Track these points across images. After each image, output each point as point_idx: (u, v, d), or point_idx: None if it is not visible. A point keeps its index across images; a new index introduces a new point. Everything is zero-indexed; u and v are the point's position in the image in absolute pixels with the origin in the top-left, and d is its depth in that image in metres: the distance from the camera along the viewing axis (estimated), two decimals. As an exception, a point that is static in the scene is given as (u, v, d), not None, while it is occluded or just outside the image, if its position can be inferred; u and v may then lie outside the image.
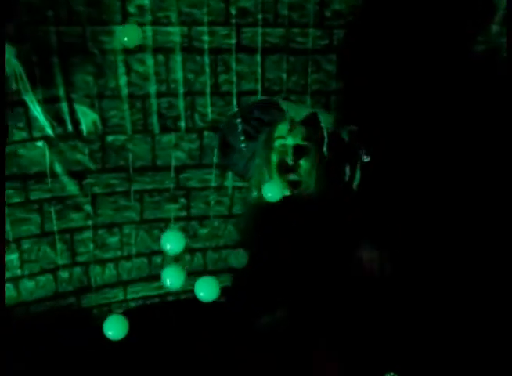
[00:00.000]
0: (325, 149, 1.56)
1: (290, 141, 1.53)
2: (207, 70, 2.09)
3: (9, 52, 1.80)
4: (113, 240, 2.19)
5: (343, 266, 1.51)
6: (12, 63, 1.81)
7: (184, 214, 2.26)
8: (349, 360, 1.42)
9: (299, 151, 1.52)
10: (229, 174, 2.24)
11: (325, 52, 2.22)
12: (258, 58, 2.14)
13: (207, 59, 2.08)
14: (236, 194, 2.26)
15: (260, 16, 2.10)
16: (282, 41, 2.15)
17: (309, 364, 1.38)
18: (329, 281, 1.49)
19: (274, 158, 1.56)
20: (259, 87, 2.17)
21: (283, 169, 1.54)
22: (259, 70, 2.16)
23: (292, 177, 1.54)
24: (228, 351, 1.42)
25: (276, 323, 1.40)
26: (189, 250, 2.29)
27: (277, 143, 1.55)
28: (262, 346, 1.37)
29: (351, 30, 2.19)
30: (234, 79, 2.14)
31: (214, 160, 2.21)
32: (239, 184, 2.22)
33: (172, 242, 1.22)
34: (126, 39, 1.66)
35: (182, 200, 2.24)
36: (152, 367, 1.82)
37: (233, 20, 2.07)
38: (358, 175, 1.62)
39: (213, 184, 2.24)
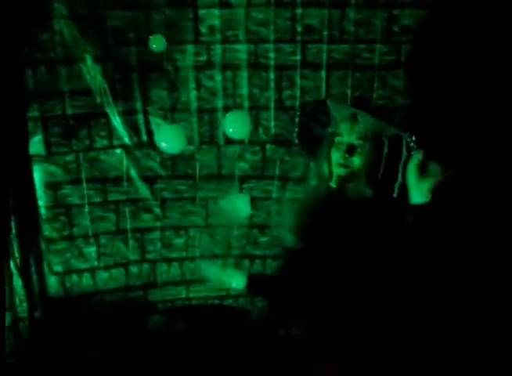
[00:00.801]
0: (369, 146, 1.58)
1: (345, 139, 1.57)
2: (272, 85, 2.18)
3: (95, 70, 2.05)
4: (179, 241, 2.36)
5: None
6: (98, 79, 2.06)
7: (246, 221, 2.36)
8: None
9: (352, 149, 1.56)
10: (290, 185, 2.31)
11: (392, 67, 2.19)
12: (323, 74, 2.19)
13: (272, 75, 2.17)
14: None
15: (325, 33, 2.14)
16: (347, 57, 2.17)
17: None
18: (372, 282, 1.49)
19: (332, 153, 1.61)
20: (322, 102, 2.21)
21: (338, 165, 1.59)
22: (323, 85, 2.20)
23: (340, 170, 1.58)
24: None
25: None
26: (248, 257, 2.39)
27: (336, 140, 1.61)
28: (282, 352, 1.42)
29: (419, 44, 2.15)
30: (298, 94, 2.20)
31: (277, 171, 2.31)
32: (300, 196, 2.28)
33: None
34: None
35: (244, 208, 2.35)
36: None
37: (299, 37, 2.14)
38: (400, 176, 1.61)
39: (274, 195, 2.33)
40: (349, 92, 2.22)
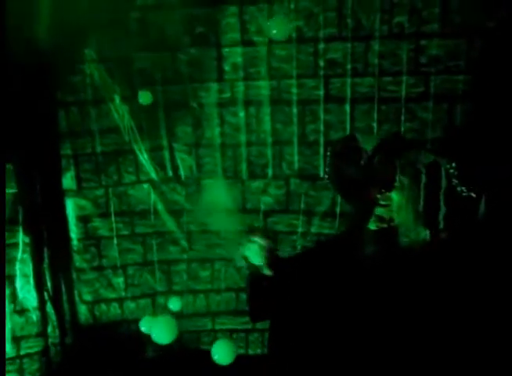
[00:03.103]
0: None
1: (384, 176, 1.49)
2: (295, 120, 2.17)
3: (123, 109, 2.15)
4: (205, 273, 2.39)
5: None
6: (126, 118, 2.15)
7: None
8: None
9: (388, 184, 1.49)
10: (316, 220, 2.27)
11: (420, 99, 2.11)
12: (347, 107, 2.15)
13: (295, 110, 2.16)
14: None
15: (349, 66, 2.11)
16: (372, 90, 2.12)
17: None
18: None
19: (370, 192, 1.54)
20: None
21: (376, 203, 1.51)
22: (348, 119, 2.16)
23: (380, 211, 1.51)
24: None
25: None
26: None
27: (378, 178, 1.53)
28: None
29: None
30: (321, 128, 2.18)
31: (302, 206, 2.28)
32: (326, 231, 2.24)
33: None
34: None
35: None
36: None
37: (322, 72, 2.12)
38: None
39: (300, 229, 2.30)
40: (375, 125, 2.16)
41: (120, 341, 2.32)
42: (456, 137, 2.13)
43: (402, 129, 2.14)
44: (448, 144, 2.14)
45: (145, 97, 2.04)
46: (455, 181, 1.48)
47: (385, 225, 1.47)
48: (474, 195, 1.44)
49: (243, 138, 2.21)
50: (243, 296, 2.38)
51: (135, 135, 2.18)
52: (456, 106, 2.11)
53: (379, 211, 1.46)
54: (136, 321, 2.36)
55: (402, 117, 2.14)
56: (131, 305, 2.36)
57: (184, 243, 2.34)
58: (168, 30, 2.09)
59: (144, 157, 2.22)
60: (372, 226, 1.48)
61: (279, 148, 2.21)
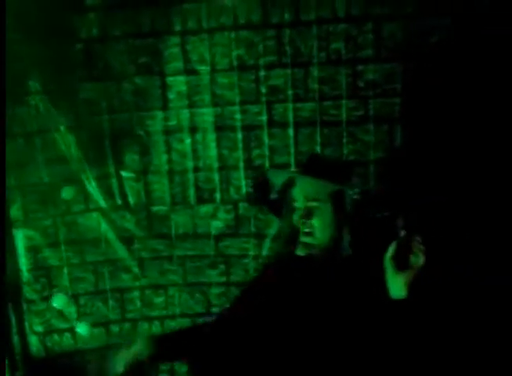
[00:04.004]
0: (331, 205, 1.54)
1: (299, 203, 1.54)
2: (240, 145, 2.21)
3: (69, 139, 2.17)
4: (159, 300, 2.38)
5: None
6: (72, 147, 2.18)
7: (224, 279, 2.36)
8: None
9: (309, 212, 1.51)
10: (267, 243, 2.29)
11: (360, 122, 2.16)
12: (290, 132, 2.19)
13: (239, 136, 2.21)
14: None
15: (290, 92, 2.16)
16: (314, 115, 2.17)
17: None
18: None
19: (293, 219, 1.56)
20: (292, 160, 2.21)
21: (302, 232, 1.52)
22: (292, 143, 2.20)
23: (305, 238, 1.53)
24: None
25: None
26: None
27: (294, 205, 1.56)
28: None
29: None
30: (267, 153, 2.22)
31: (252, 229, 2.30)
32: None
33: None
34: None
35: (222, 266, 2.35)
36: None
37: (264, 98, 2.17)
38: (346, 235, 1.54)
39: (251, 253, 2.32)
40: (318, 148, 2.20)
41: (73, 371, 2.29)
42: (395, 159, 2.19)
43: (345, 151, 2.20)
44: (387, 166, 2.20)
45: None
46: (362, 205, 1.53)
47: (310, 252, 1.51)
48: (386, 214, 1.49)
49: (190, 164, 2.24)
50: (199, 320, 2.40)
51: (82, 165, 2.20)
52: (396, 128, 2.17)
53: (303, 238, 1.51)
54: (90, 351, 2.37)
55: (344, 140, 2.19)
56: (84, 335, 2.35)
57: (136, 270, 2.34)
58: (112, 60, 2.13)
59: (92, 186, 2.23)
60: (299, 252, 1.52)
61: (226, 173, 2.24)
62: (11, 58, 2.00)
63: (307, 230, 1.50)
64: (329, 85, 2.15)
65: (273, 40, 2.12)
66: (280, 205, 1.62)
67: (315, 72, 2.14)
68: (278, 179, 1.62)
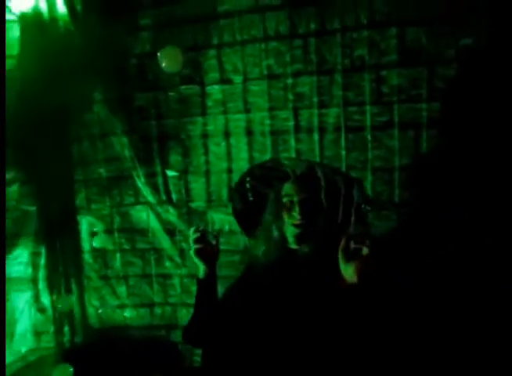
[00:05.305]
0: (323, 197, 1.61)
1: (296, 198, 1.61)
2: (269, 149, 2.34)
3: (125, 141, 2.51)
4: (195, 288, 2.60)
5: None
6: (126, 148, 2.51)
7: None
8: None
9: (306, 207, 1.60)
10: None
11: (385, 128, 2.15)
12: (316, 137, 2.26)
13: (268, 140, 2.34)
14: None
15: (315, 99, 2.24)
16: (338, 120, 2.22)
17: None
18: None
19: (283, 215, 1.64)
20: (318, 163, 2.28)
21: (293, 225, 1.60)
22: (317, 147, 2.27)
23: (297, 230, 1.60)
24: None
25: None
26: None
27: (285, 200, 1.64)
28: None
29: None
30: (294, 156, 2.31)
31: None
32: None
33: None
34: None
35: (253, 262, 2.49)
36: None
37: (291, 105, 2.28)
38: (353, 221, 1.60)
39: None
40: (343, 153, 2.24)
41: (120, 344, 2.62)
42: (421, 166, 2.13)
43: (370, 157, 2.21)
44: (413, 172, 2.15)
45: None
46: (359, 201, 1.58)
47: (303, 244, 1.59)
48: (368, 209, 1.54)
49: (224, 165, 2.44)
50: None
51: (133, 163, 2.53)
52: (422, 134, 2.12)
53: (296, 231, 1.59)
54: (135, 328, 2.67)
55: (369, 145, 2.20)
56: (132, 312, 2.67)
57: (177, 259, 2.60)
58: (160, 72, 2.42)
59: (141, 182, 2.54)
60: (292, 246, 1.62)
61: (257, 175, 2.39)
62: (81, 73, 2.42)
63: (298, 222, 1.58)
64: (353, 91, 2.19)
65: (300, 49, 2.23)
66: (260, 206, 1.72)
67: (339, 79, 2.19)
68: (298, 166, 1.68)
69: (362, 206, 1.56)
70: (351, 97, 2.19)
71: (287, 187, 1.65)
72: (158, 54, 2.22)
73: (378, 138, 2.18)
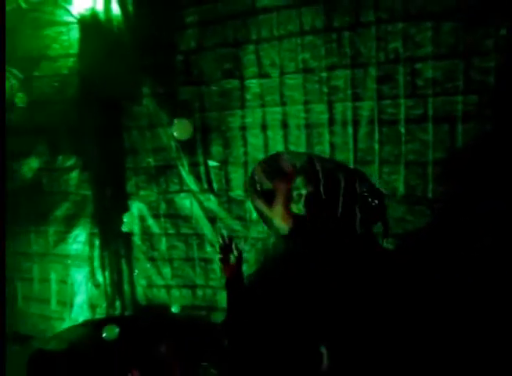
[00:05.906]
0: (321, 190, 1.68)
1: (303, 191, 1.68)
2: (304, 142, 2.39)
3: (171, 133, 2.68)
4: (235, 274, 2.73)
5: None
6: (172, 139, 2.67)
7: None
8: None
9: (311, 199, 1.66)
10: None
11: (419, 121, 2.13)
12: (350, 130, 2.28)
13: (303, 133, 2.39)
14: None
15: (350, 92, 2.25)
16: (372, 114, 2.22)
17: None
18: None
19: (292, 207, 1.71)
20: (351, 156, 2.30)
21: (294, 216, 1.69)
22: (351, 141, 2.29)
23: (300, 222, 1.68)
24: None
25: None
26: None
27: (294, 193, 1.71)
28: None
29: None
30: (327, 149, 2.35)
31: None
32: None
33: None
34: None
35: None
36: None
37: (325, 98, 2.31)
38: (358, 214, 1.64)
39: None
40: (377, 146, 2.24)
41: (164, 322, 2.82)
42: (456, 160, 2.08)
43: (403, 150, 2.19)
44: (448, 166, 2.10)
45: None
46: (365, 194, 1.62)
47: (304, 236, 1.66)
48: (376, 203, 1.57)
49: (262, 157, 2.51)
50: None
51: (178, 153, 2.69)
52: (457, 127, 2.07)
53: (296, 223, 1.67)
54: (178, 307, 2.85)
55: (403, 139, 2.18)
56: (175, 292, 2.85)
57: (217, 245, 2.73)
58: (204, 67, 2.55)
59: (185, 171, 2.70)
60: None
61: (292, 166, 2.45)
62: (130, 68, 2.61)
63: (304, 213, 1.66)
64: (387, 84, 2.18)
65: (334, 43, 2.25)
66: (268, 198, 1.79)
67: (373, 72, 2.19)
68: (298, 159, 1.76)
69: (369, 199, 1.58)
70: (385, 90, 2.18)
71: (297, 181, 1.71)
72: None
73: (412, 131, 2.16)
